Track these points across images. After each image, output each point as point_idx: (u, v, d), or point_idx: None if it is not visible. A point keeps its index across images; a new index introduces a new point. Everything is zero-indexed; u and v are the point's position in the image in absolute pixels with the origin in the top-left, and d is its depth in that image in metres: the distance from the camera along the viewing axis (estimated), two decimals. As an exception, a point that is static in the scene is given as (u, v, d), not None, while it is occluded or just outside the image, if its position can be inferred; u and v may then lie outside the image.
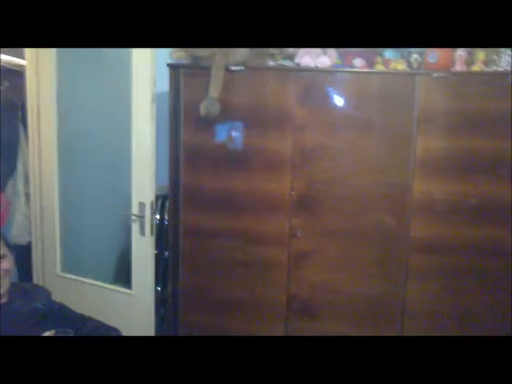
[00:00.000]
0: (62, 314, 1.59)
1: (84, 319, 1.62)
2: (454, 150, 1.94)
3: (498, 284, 1.96)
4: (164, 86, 2.09)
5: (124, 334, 1.65)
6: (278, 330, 2.09)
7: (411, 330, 2.02)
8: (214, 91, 1.98)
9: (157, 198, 2.19)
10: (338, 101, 2.00)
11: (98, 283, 2.25)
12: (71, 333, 1.39)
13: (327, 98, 2.00)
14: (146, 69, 2.01)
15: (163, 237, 2.25)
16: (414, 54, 1.98)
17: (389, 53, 2.02)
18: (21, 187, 2.67)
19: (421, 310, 2.02)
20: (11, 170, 2.68)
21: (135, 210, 2.10)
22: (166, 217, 2.28)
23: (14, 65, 2.67)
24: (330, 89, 1.99)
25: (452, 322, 2.00)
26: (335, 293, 2.04)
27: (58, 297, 1.66)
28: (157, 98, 2.05)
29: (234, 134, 2.06)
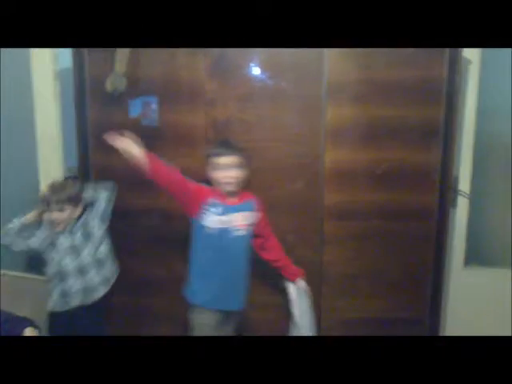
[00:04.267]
0: None
1: None
2: (362, 119, 2.00)
3: (406, 244, 2.07)
4: (68, 62, 1.99)
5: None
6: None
7: (329, 293, 2.10)
8: (120, 66, 1.92)
9: (67, 179, 2.11)
10: (249, 73, 2.00)
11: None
12: None
13: (237, 71, 1.99)
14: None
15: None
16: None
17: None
18: None
19: (337, 274, 2.09)
20: None
21: (44, 193, 2.01)
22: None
23: None
24: (240, 61, 1.98)
25: (366, 283, 2.10)
26: (255, 263, 2.07)
27: None
28: (61, 76, 1.96)
29: (148, 109, 2.01)
